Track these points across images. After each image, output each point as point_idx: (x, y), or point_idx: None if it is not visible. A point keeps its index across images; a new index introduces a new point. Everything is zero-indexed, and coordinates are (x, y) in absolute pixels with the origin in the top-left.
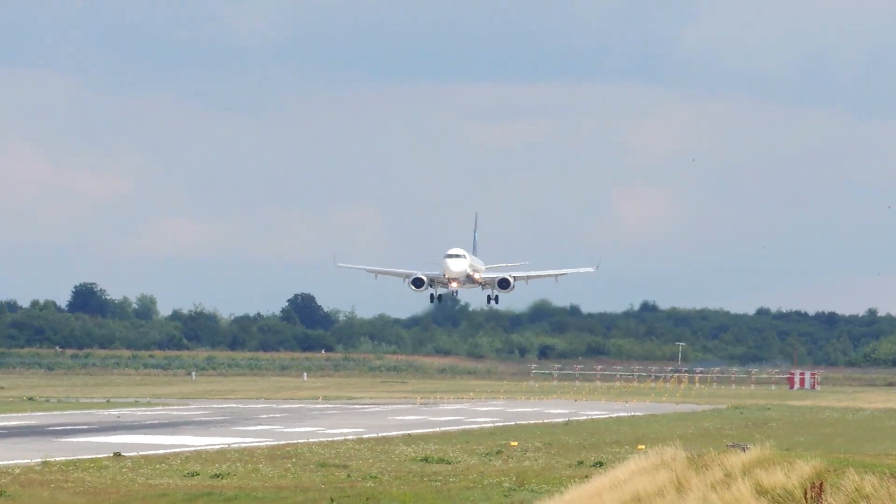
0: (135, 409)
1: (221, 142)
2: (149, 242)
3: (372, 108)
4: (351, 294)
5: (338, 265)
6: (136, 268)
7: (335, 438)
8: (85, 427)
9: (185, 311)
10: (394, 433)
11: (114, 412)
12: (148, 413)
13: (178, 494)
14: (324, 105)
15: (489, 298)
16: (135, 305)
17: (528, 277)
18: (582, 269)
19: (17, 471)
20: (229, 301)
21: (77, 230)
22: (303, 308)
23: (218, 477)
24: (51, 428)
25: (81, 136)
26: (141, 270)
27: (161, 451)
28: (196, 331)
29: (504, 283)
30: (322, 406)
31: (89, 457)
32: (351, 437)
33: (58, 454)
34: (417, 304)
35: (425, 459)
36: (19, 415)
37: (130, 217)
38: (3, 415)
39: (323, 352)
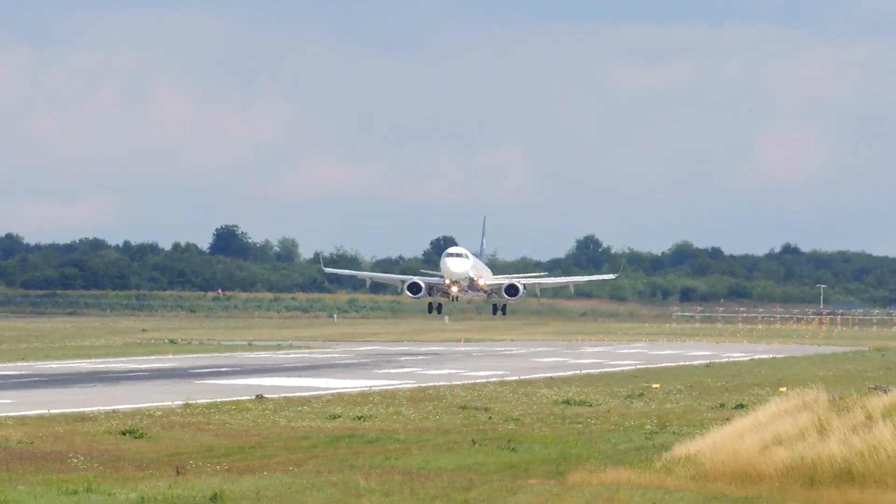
0: (276, 351)
1: (367, 83)
2: (291, 185)
3: (518, 50)
4: (493, 237)
5: (325, 270)
6: (278, 211)
7: (477, 381)
8: (227, 369)
9: (327, 254)
10: (535, 376)
11: (255, 355)
12: (290, 356)
13: (319, 436)
14: (470, 46)
15: (495, 308)
16: (276, 248)
17: (541, 285)
18: (603, 277)
19: (159, 413)
20: (372, 243)
21: (220, 173)
22: (445, 251)
23: (360, 419)
24: (193, 370)
25: (227, 77)
26: (283, 213)
27: (303, 394)
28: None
29: (512, 290)
30: (464, 349)
31: (231, 399)
32: (493, 379)
33: (200, 396)
34: (559, 247)
35: (567, 402)
36: (161, 357)
37: (275, 160)
38: (145, 357)
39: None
